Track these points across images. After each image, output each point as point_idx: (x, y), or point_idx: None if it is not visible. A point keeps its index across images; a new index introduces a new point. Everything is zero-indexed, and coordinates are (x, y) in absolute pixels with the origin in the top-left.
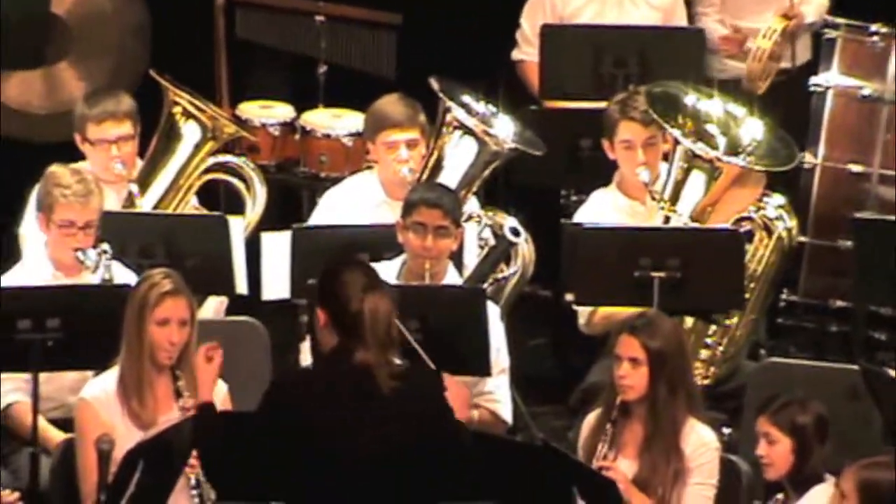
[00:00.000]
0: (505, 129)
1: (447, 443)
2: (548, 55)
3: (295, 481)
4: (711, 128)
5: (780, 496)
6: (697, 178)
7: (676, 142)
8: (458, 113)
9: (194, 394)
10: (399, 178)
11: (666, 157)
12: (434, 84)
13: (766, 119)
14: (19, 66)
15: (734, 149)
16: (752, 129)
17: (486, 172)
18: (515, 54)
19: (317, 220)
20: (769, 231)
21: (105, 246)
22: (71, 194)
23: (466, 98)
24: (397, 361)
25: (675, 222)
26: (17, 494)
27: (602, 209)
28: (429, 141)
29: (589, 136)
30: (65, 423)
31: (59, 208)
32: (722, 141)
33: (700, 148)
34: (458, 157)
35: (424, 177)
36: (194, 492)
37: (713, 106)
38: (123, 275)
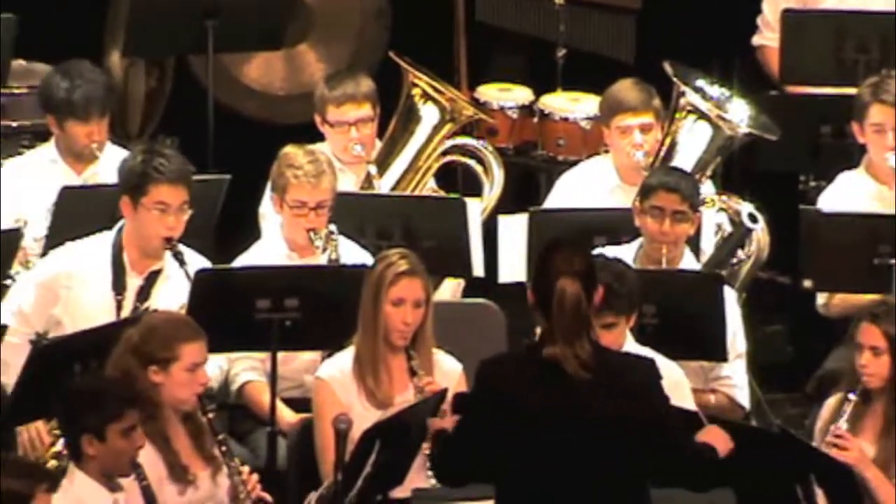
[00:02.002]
0: (739, 113)
1: (650, 430)
2: (788, 40)
3: (500, 463)
4: None
5: None
6: None
7: None
8: (692, 97)
9: (429, 373)
10: (633, 162)
11: None
12: (668, 68)
13: None
14: (262, 48)
15: None
16: None
17: (720, 157)
18: (756, 39)
19: (551, 204)
20: None
21: (332, 227)
22: (302, 175)
23: (700, 82)
24: (587, 348)
25: None
26: (255, 477)
27: (849, 192)
28: (663, 125)
29: (829, 122)
30: (299, 403)
31: (291, 189)
32: None
33: None
34: (692, 141)
35: (658, 161)
36: (430, 472)
37: None
38: (357, 255)
